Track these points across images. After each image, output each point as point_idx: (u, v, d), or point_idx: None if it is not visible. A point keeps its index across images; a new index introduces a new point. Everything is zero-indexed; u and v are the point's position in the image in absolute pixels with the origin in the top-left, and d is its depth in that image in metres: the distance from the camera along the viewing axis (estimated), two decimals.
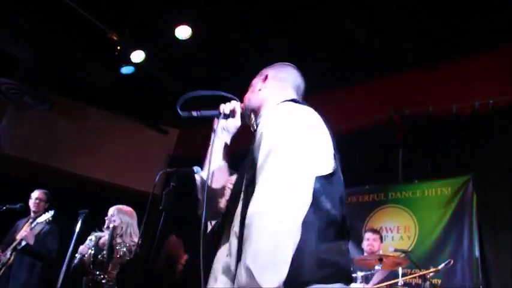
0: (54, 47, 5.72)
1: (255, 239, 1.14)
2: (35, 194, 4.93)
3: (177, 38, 5.23)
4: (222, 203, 1.66)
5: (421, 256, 4.69)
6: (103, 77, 6.28)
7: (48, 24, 5.35)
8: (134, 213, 4.11)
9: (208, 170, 1.64)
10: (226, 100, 1.78)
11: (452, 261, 4.06)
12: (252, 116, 1.69)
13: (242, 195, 1.43)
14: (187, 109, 1.77)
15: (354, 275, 4.12)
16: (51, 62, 5.96)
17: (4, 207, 4.65)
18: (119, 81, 6.30)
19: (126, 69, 5.93)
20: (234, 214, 1.44)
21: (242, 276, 1.12)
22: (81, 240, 3.78)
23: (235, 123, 1.73)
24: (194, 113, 1.75)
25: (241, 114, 1.75)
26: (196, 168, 2.44)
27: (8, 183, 5.79)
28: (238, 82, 5.93)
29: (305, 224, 1.22)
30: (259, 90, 1.68)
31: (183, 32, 5.18)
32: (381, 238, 4.61)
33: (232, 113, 1.72)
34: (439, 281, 4.58)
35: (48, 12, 5.19)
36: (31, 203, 4.87)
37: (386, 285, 4.01)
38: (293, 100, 1.58)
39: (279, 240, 1.14)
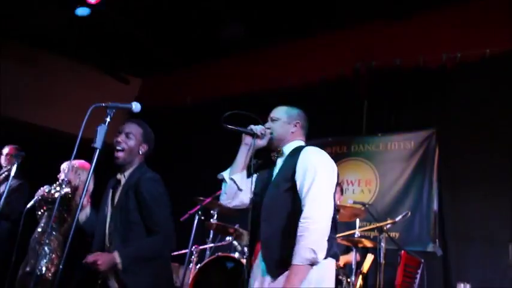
0: None
1: (313, 233, 1.98)
2: (5, 149, 4.56)
3: None
4: (246, 199, 2.38)
5: (380, 209, 4.66)
6: (56, 18, 5.86)
7: None
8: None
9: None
10: (254, 120, 2.34)
11: (409, 213, 4.02)
12: (277, 143, 2.35)
13: (278, 197, 2.18)
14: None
15: None
16: None
17: None
18: (74, 24, 5.89)
19: (81, 11, 5.53)
20: (264, 208, 2.20)
21: (307, 253, 1.95)
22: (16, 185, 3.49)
23: (262, 143, 2.35)
24: (230, 127, 2.24)
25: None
26: (135, 104, 2.23)
27: None
28: (201, 26, 5.71)
29: None
30: (292, 132, 2.37)
31: None
32: (342, 190, 4.52)
33: (262, 136, 2.32)
34: (397, 234, 4.57)
35: None
36: (2, 159, 4.54)
37: (341, 236, 3.94)
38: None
39: (324, 234, 2.02)
